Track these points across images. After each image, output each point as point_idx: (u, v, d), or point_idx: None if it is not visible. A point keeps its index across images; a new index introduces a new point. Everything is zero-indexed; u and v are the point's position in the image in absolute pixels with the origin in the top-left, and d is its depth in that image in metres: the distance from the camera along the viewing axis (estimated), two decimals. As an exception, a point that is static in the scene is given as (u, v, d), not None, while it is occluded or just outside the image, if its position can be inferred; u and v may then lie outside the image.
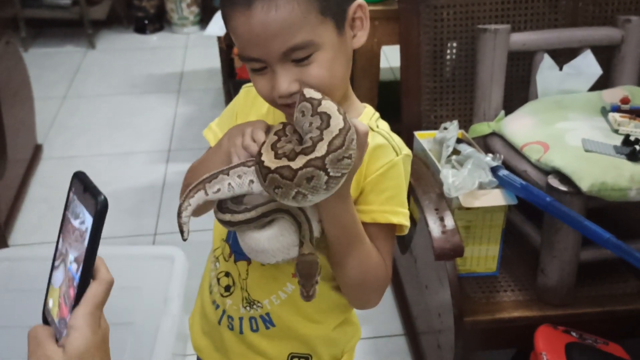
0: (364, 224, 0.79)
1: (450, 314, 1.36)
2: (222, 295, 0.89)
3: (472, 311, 1.42)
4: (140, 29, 3.77)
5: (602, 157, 1.35)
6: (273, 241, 0.76)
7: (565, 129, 1.47)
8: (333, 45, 0.74)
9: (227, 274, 0.89)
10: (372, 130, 0.81)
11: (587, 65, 1.63)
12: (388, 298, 1.88)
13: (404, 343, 1.75)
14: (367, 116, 0.84)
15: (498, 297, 1.48)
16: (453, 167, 1.50)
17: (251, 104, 0.89)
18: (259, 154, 0.71)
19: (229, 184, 0.75)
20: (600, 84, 1.66)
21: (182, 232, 0.76)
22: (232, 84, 2.15)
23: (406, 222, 0.82)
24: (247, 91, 0.91)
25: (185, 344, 1.71)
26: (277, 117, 0.86)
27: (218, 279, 0.90)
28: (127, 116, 2.92)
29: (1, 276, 1.63)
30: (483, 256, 1.52)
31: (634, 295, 1.46)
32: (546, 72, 1.63)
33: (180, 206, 0.76)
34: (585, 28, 1.67)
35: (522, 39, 1.62)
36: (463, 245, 1.33)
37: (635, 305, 1.44)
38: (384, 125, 0.85)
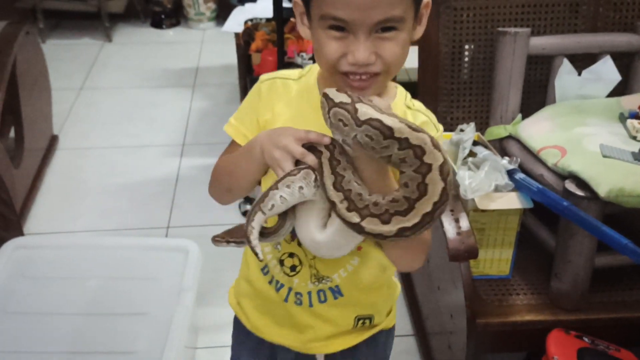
0: None
1: (463, 316, 1.36)
2: (287, 275, 0.93)
3: (484, 313, 1.42)
4: (157, 24, 3.79)
5: (620, 163, 1.34)
6: (331, 246, 0.82)
7: (583, 134, 1.47)
8: (409, 29, 0.79)
9: (292, 255, 0.92)
10: (410, 109, 0.86)
11: (606, 71, 1.62)
12: (398, 298, 1.88)
13: (414, 343, 1.75)
14: (401, 97, 0.88)
15: (511, 300, 1.48)
16: (469, 169, 1.50)
17: (277, 95, 0.89)
18: (334, 205, 0.75)
19: (280, 196, 0.78)
20: (619, 91, 1.66)
21: (256, 254, 0.78)
22: (249, 80, 2.16)
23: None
24: (272, 83, 0.90)
25: (197, 336, 1.73)
26: (302, 105, 0.87)
27: (281, 261, 0.93)
28: (142, 109, 2.93)
29: (17, 264, 1.64)
30: (497, 259, 1.52)
31: (648, 303, 1.45)
32: (565, 76, 1.62)
33: (246, 232, 0.79)
34: (605, 34, 1.66)
35: (541, 43, 1.62)
36: (477, 247, 1.33)
37: (648, 312, 1.43)
38: (418, 103, 0.89)
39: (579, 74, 1.64)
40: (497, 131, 1.64)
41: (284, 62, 1.98)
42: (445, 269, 1.47)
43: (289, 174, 0.78)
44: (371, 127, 0.70)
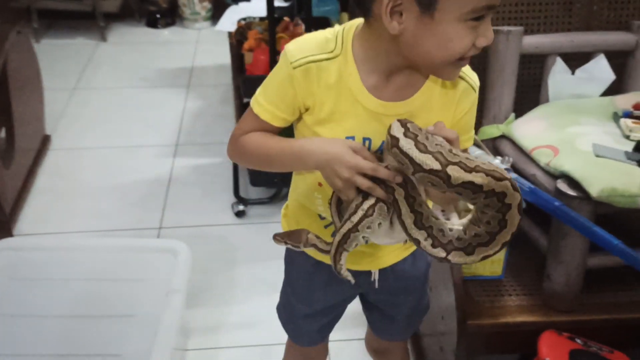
0: None
1: (454, 317, 1.35)
2: None
3: (476, 315, 1.40)
4: (152, 23, 3.78)
5: (613, 162, 1.33)
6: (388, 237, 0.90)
7: (576, 133, 1.45)
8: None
9: None
10: None
11: (600, 70, 1.61)
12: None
13: (406, 344, 1.74)
14: None
15: (503, 301, 1.46)
16: (461, 168, 1.48)
17: (315, 83, 0.87)
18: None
19: (363, 236, 0.86)
20: (613, 90, 1.64)
21: (349, 281, 0.90)
22: (241, 80, 2.14)
23: (472, 143, 0.98)
24: (306, 69, 0.87)
25: (187, 339, 1.71)
26: (342, 90, 0.87)
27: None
28: (136, 109, 2.92)
29: (5, 265, 1.63)
30: (489, 260, 1.50)
31: (641, 304, 1.44)
32: (558, 75, 1.61)
33: (335, 268, 0.89)
34: (599, 32, 1.65)
35: (534, 41, 1.60)
36: (469, 247, 1.31)
37: (641, 314, 1.42)
38: None
39: (573, 73, 1.62)
40: (490, 131, 1.63)
41: (276, 62, 1.96)
42: (437, 269, 1.46)
43: (365, 215, 0.84)
44: (462, 188, 0.78)
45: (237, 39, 2.28)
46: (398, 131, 0.80)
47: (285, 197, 2.25)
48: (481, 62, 1.67)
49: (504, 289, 1.50)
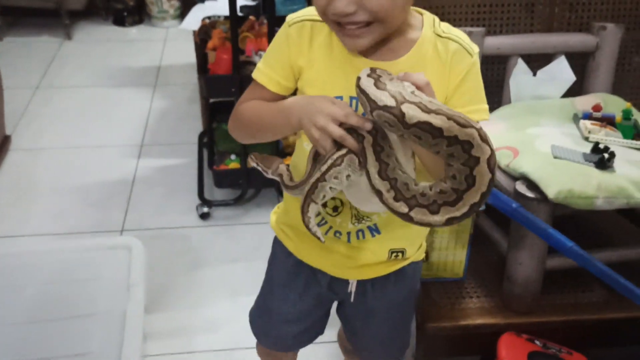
0: None
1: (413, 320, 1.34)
2: (330, 215, 0.98)
3: (436, 317, 1.40)
4: (119, 21, 3.71)
5: (571, 164, 1.33)
6: (367, 200, 0.86)
7: (535, 134, 1.45)
8: None
9: (333, 198, 0.95)
10: (440, 36, 0.87)
11: (561, 72, 1.61)
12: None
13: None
14: (429, 27, 0.89)
15: (464, 303, 1.46)
16: (422, 170, 1.47)
17: (309, 38, 0.89)
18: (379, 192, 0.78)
19: (330, 187, 0.83)
20: (575, 91, 1.65)
21: (318, 238, 0.87)
22: (204, 80, 2.11)
23: (486, 116, 0.90)
24: (301, 26, 0.90)
25: (146, 344, 1.67)
26: (335, 51, 0.89)
27: (324, 203, 0.95)
28: (101, 109, 2.86)
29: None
30: (450, 261, 1.50)
31: (599, 305, 1.45)
32: (520, 77, 1.61)
33: (304, 221, 0.86)
34: (560, 34, 1.65)
35: (496, 42, 1.60)
36: (428, 251, 1.30)
37: (600, 314, 1.42)
38: (448, 27, 0.90)
39: (534, 74, 1.63)
40: (453, 132, 1.62)
41: (238, 61, 1.93)
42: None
43: (334, 164, 0.81)
44: (419, 129, 0.72)
45: (201, 37, 2.25)
46: (363, 73, 0.79)
47: (249, 199, 2.25)
48: (444, 62, 1.67)
49: (466, 291, 1.49)
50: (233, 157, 2.20)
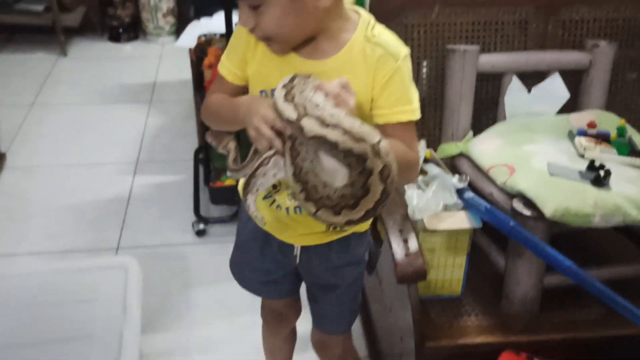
0: (382, 125, 0.95)
1: (412, 339, 1.33)
2: (272, 190, 1.06)
3: (434, 336, 1.39)
4: (115, 38, 3.72)
5: (567, 182, 1.33)
6: None
7: (531, 151, 1.46)
8: (282, 2, 0.88)
9: None
10: (370, 41, 0.94)
11: (555, 89, 1.62)
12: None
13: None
14: (362, 29, 0.95)
15: (462, 321, 1.45)
16: (419, 187, 1.47)
17: (254, 42, 0.98)
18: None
19: (260, 182, 0.94)
20: (568, 108, 1.66)
21: (258, 221, 1.00)
22: (200, 97, 2.11)
23: (414, 116, 0.96)
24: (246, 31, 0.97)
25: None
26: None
27: None
28: (96, 126, 2.85)
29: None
30: (448, 279, 1.50)
31: (597, 322, 1.44)
32: (514, 94, 1.62)
33: (245, 204, 0.97)
34: (554, 51, 1.66)
35: (491, 60, 1.61)
36: (426, 269, 1.30)
37: (598, 332, 1.42)
38: (380, 31, 0.96)
39: (529, 91, 1.64)
40: (449, 149, 1.63)
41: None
42: (396, 290, 1.44)
43: (262, 164, 0.92)
44: (317, 142, 0.81)
45: (197, 55, 2.26)
46: (281, 83, 0.87)
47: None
48: (439, 80, 1.67)
49: (464, 309, 1.49)
50: (229, 173, 2.19)
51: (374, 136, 0.80)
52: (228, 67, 1.03)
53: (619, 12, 1.69)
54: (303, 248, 1.13)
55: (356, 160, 0.80)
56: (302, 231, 1.09)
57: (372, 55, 0.93)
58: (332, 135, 0.79)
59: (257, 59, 0.99)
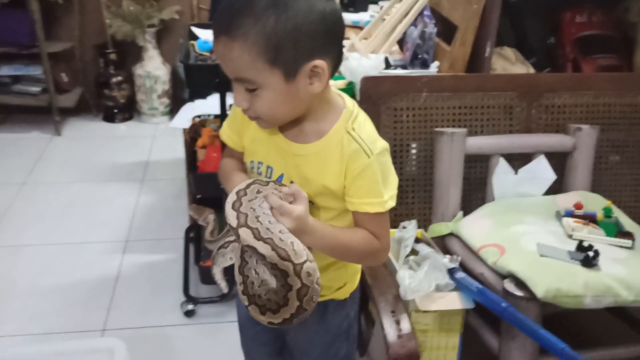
0: (353, 211, 1.03)
1: None
2: None
3: (429, 422, 1.35)
4: (109, 118, 3.79)
5: (557, 262, 1.34)
6: None
7: (520, 232, 1.48)
8: (278, 88, 0.93)
9: None
10: (349, 133, 0.99)
11: (541, 171, 1.66)
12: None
13: None
14: (344, 121, 1.00)
15: (457, 406, 1.41)
16: (411, 267, 1.47)
17: (248, 118, 1.04)
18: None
19: (220, 260, 1.05)
20: (556, 189, 1.69)
21: (221, 287, 1.08)
22: (193, 177, 2.14)
23: (382, 209, 1.01)
24: None
25: None
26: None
27: None
28: (86, 204, 2.85)
29: None
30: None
31: (595, 407, 1.41)
32: (502, 175, 1.66)
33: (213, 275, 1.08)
34: (538, 135, 1.72)
35: (478, 142, 1.66)
36: (419, 351, 1.28)
37: (596, 417, 1.38)
38: (360, 125, 1.01)
39: (516, 173, 1.67)
40: (439, 229, 1.64)
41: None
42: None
43: (222, 246, 1.05)
44: (250, 250, 0.90)
45: (191, 135, 2.30)
46: (239, 186, 0.95)
47: (235, 295, 2.20)
48: (429, 161, 1.71)
49: (458, 392, 1.45)
50: (205, 244, 2.18)
51: (299, 257, 0.89)
52: (228, 134, 1.12)
53: (599, 98, 1.76)
54: None
55: (280, 273, 0.89)
56: None
57: (348, 148, 0.98)
58: (262, 248, 0.88)
59: (249, 133, 1.07)
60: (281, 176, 1.04)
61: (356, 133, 0.99)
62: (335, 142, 0.99)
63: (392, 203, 1.03)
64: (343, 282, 1.17)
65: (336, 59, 0.97)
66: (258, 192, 0.94)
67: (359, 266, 1.21)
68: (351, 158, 0.99)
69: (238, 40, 0.89)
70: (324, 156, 1.00)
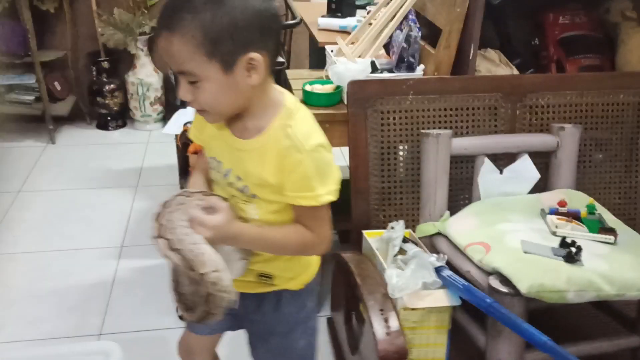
0: (292, 205, 1.08)
1: (396, 421, 1.32)
2: None
3: (418, 417, 1.38)
4: (103, 125, 3.81)
5: (540, 258, 1.38)
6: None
7: (505, 230, 1.51)
8: (218, 80, 0.99)
9: None
10: (283, 130, 1.04)
11: (526, 170, 1.70)
12: (338, 403, 1.81)
13: None
14: (282, 116, 1.06)
15: (446, 401, 1.44)
16: (399, 267, 1.51)
17: None
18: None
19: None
20: (540, 187, 1.73)
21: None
22: (185, 182, 2.16)
23: (315, 202, 1.06)
24: None
25: None
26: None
27: None
28: (82, 211, 2.88)
29: None
30: (430, 358, 1.50)
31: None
32: (487, 175, 1.69)
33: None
34: (523, 134, 1.76)
35: (463, 143, 1.70)
36: (407, 348, 1.31)
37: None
38: (296, 122, 1.05)
39: (501, 172, 1.71)
40: (427, 228, 1.67)
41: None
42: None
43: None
44: (166, 258, 1.02)
45: (183, 141, 2.33)
46: (166, 199, 1.04)
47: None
48: (415, 162, 1.75)
49: (447, 388, 1.48)
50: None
51: (205, 267, 0.98)
52: (193, 132, 1.19)
53: (582, 97, 1.80)
54: (242, 295, 1.21)
55: (192, 280, 0.99)
56: (239, 279, 1.19)
57: (282, 145, 1.04)
58: (174, 258, 0.98)
59: (207, 130, 1.14)
60: (229, 170, 1.11)
61: (292, 130, 1.04)
62: (272, 139, 1.05)
63: (329, 198, 1.07)
64: (295, 273, 1.22)
65: (273, 53, 1.03)
66: (181, 203, 1.02)
67: (314, 258, 1.25)
68: (284, 154, 1.04)
69: (177, 34, 0.95)
70: (263, 152, 1.06)
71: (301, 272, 1.23)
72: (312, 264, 1.25)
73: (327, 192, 1.07)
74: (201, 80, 0.99)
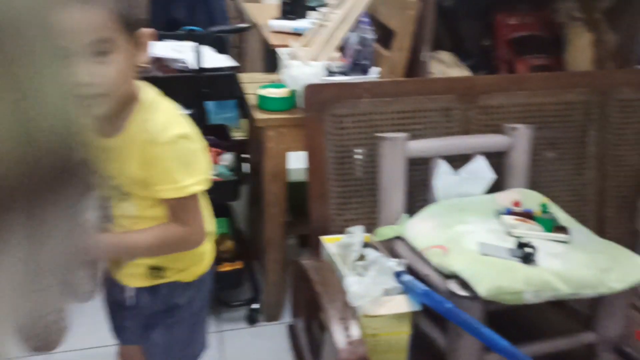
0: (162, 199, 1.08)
1: None
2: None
3: None
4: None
5: (498, 260, 1.39)
6: None
7: (463, 232, 1.52)
8: (128, 52, 0.97)
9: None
10: (142, 124, 1.04)
11: (481, 170, 1.72)
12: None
13: None
14: (140, 110, 1.04)
15: (409, 406, 1.44)
16: (359, 273, 1.49)
17: None
18: None
19: None
20: (496, 187, 1.75)
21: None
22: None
23: (179, 194, 1.05)
24: None
25: None
26: None
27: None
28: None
29: None
30: (392, 363, 1.49)
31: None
32: (443, 177, 1.70)
33: None
34: (476, 136, 1.77)
35: (419, 146, 1.70)
36: (368, 356, 1.30)
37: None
38: (154, 115, 1.04)
39: (457, 174, 1.72)
40: (385, 232, 1.67)
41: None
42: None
43: None
44: None
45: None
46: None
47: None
48: (374, 166, 1.74)
49: (409, 393, 1.48)
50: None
51: None
52: None
53: (532, 97, 1.83)
54: (137, 289, 1.21)
55: None
56: (129, 273, 1.21)
57: (140, 138, 1.03)
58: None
59: None
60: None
61: (151, 123, 1.04)
62: (132, 134, 1.04)
63: (197, 188, 1.06)
64: (185, 265, 1.22)
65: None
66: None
67: (207, 251, 1.24)
68: (143, 147, 1.04)
69: (92, 1, 0.94)
70: (125, 148, 1.04)
71: (192, 264, 1.23)
72: (205, 257, 1.25)
73: (194, 182, 1.06)
74: (113, 51, 0.96)
